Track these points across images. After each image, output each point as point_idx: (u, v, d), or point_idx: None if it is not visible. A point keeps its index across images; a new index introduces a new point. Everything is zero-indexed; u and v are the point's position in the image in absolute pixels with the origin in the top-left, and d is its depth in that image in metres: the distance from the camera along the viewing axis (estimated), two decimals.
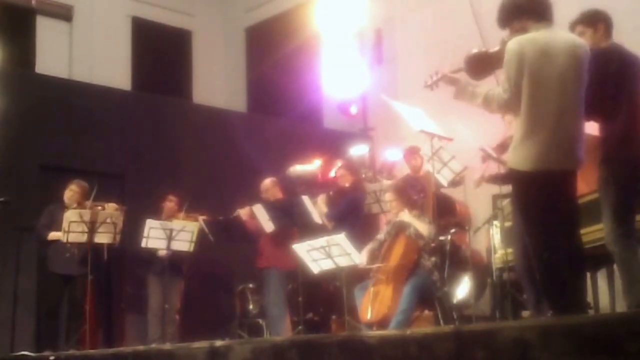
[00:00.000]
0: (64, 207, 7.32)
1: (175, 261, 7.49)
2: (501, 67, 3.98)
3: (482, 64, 4.14)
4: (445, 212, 7.03)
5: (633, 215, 4.23)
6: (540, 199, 3.88)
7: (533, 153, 3.85)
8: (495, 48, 4.12)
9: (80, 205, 7.27)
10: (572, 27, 4.42)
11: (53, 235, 7.20)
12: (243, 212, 7.43)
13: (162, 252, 7.46)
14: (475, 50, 4.20)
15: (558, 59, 3.86)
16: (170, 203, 7.84)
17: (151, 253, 7.50)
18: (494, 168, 5.81)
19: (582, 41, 4.07)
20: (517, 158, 3.92)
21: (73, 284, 7.24)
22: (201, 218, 7.60)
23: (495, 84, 4.10)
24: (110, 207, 7.27)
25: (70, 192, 7.33)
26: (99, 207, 7.21)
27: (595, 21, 4.38)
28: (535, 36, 3.91)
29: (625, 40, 4.46)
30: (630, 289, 4.12)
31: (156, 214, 7.71)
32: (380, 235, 6.55)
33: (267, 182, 7.61)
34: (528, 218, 3.98)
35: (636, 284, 4.08)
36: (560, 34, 4.01)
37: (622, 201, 4.15)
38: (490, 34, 4.34)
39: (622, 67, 4.22)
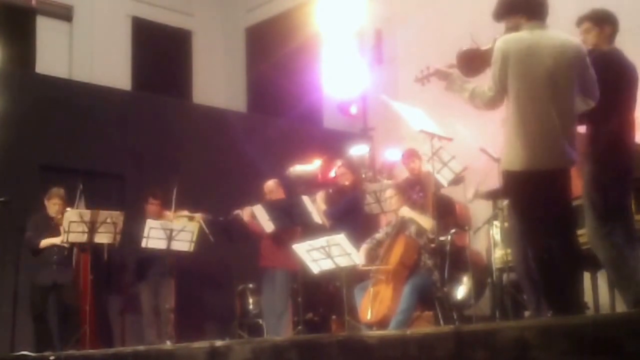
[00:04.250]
0: (49, 218, 7.32)
1: (162, 261, 7.46)
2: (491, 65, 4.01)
3: (473, 61, 4.18)
4: (445, 212, 7.01)
5: (620, 217, 4.22)
6: (532, 198, 3.89)
7: (522, 153, 3.85)
8: (487, 46, 4.14)
9: (64, 215, 7.20)
10: (580, 21, 4.43)
11: (46, 242, 7.20)
12: (245, 213, 7.42)
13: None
14: (466, 47, 4.23)
15: (545, 58, 3.86)
16: (152, 206, 7.72)
17: (146, 254, 7.47)
18: (494, 175, 5.81)
19: (574, 41, 4.07)
20: (508, 158, 3.93)
21: (60, 290, 7.24)
22: (196, 218, 7.56)
23: (485, 80, 4.12)
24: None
25: (55, 205, 7.30)
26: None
27: (604, 22, 4.39)
28: (522, 35, 3.94)
29: (624, 41, 4.47)
30: (624, 289, 4.12)
31: (142, 215, 7.63)
32: (379, 235, 6.55)
33: (271, 183, 7.60)
34: (523, 218, 3.99)
35: (630, 282, 4.08)
36: (551, 33, 4.00)
37: (605, 201, 4.15)
38: (486, 32, 4.34)
39: (620, 72, 4.24)
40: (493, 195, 6.05)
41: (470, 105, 4.09)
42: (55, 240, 7.19)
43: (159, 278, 7.56)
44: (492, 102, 3.96)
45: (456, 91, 4.12)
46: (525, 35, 3.93)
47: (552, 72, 3.85)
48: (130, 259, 7.98)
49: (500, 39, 3.95)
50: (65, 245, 7.16)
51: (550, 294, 3.91)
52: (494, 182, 6.07)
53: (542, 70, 3.85)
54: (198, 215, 7.57)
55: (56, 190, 7.36)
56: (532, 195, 3.88)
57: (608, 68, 4.19)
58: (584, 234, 4.82)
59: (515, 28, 3.99)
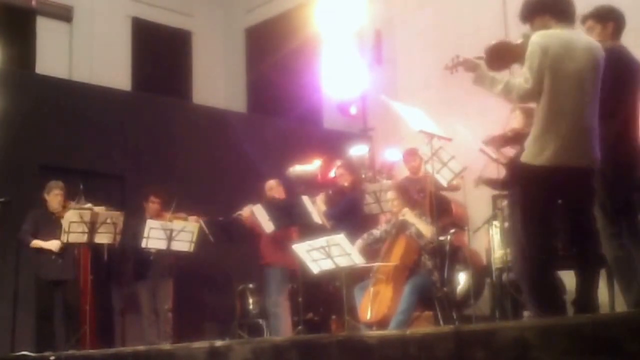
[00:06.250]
0: (50, 213, 7.31)
1: (160, 261, 7.47)
2: (520, 61, 3.98)
3: (503, 55, 4.15)
4: (441, 212, 7.03)
5: (626, 215, 4.22)
6: (551, 194, 3.86)
7: (552, 147, 3.82)
8: (517, 41, 4.13)
9: (65, 207, 7.24)
10: (584, 19, 4.43)
11: (35, 243, 7.18)
12: (245, 211, 7.42)
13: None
14: (497, 41, 4.21)
15: (578, 57, 3.88)
16: (152, 204, 7.70)
17: (146, 254, 7.47)
18: (493, 169, 5.81)
19: (597, 43, 4.08)
20: (534, 150, 3.88)
21: (64, 287, 7.24)
22: (195, 218, 7.55)
23: (507, 76, 4.10)
24: (99, 210, 7.23)
25: (57, 197, 7.28)
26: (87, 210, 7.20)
27: (607, 19, 4.39)
28: (558, 32, 3.94)
29: (624, 40, 4.47)
30: (628, 289, 4.12)
31: (141, 214, 7.64)
32: (376, 231, 6.55)
33: (272, 181, 7.64)
34: (531, 214, 3.95)
35: (633, 283, 4.08)
36: (580, 34, 4.05)
37: (613, 201, 4.15)
38: (515, 28, 4.33)
39: (622, 70, 4.23)
40: (495, 184, 5.99)
41: (503, 97, 4.04)
42: (45, 245, 7.17)
43: (158, 279, 7.56)
44: (529, 95, 3.93)
45: (486, 84, 4.05)
46: (562, 32, 3.94)
47: (582, 72, 3.87)
48: (131, 259, 7.98)
49: (538, 33, 3.92)
50: (57, 251, 7.13)
51: (541, 296, 3.89)
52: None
53: (575, 69, 3.86)
54: (193, 218, 7.55)
55: (55, 183, 7.34)
56: (554, 191, 3.86)
57: (610, 64, 4.19)
58: None
59: (543, 28, 3.98)
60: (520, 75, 3.94)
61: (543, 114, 3.88)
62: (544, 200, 3.88)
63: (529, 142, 3.94)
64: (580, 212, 4.01)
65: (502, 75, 4.08)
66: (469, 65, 4.15)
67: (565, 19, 4.00)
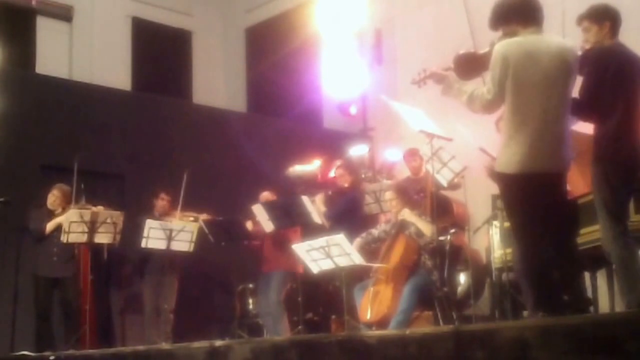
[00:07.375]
0: (49, 213, 7.33)
1: (169, 260, 7.48)
2: (488, 69, 4.01)
3: (470, 65, 4.20)
4: (442, 212, 7.03)
5: (628, 214, 4.23)
6: (526, 201, 3.89)
7: (517, 155, 3.87)
8: (484, 50, 4.16)
9: (65, 209, 7.26)
10: (579, 20, 4.43)
11: (51, 224, 7.19)
12: (250, 225, 7.42)
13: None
14: (464, 51, 4.25)
15: (543, 62, 3.88)
16: (162, 201, 7.76)
17: (147, 253, 7.47)
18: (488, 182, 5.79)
19: (571, 46, 4.08)
20: (503, 159, 3.94)
21: (63, 285, 7.25)
22: (201, 218, 7.57)
23: (481, 84, 4.13)
24: (98, 209, 7.24)
25: (53, 197, 7.33)
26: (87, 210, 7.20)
27: (602, 19, 4.37)
28: (521, 40, 3.95)
29: (625, 39, 4.46)
30: (630, 288, 4.12)
31: (149, 212, 7.67)
32: (375, 231, 6.55)
33: (266, 193, 7.58)
34: (514, 221, 4.00)
35: (635, 283, 4.08)
36: (548, 38, 4.03)
37: (616, 200, 4.15)
38: (483, 35, 4.36)
39: (621, 68, 4.22)
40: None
41: (468, 108, 4.11)
42: (59, 219, 7.18)
43: (161, 278, 7.56)
44: (491, 105, 3.98)
45: (453, 95, 4.13)
46: (524, 40, 3.95)
47: (550, 77, 3.87)
48: (131, 259, 7.99)
49: (500, 42, 3.97)
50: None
51: (540, 298, 3.90)
52: (492, 182, 6.07)
53: (541, 75, 3.86)
54: (203, 216, 7.56)
55: (59, 185, 7.38)
56: (527, 198, 3.88)
57: (608, 64, 4.19)
58: (585, 234, 4.84)
59: (512, 35, 4.01)
60: (485, 85, 3.98)
61: (508, 123, 3.92)
62: (526, 207, 3.91)
63: (498, 152, 3.98)
64: (555, 217, 4.00)
65: (470, 86, 4.11)
66: (437, 78, 4.21)
67: (532, 24, 3.99)
